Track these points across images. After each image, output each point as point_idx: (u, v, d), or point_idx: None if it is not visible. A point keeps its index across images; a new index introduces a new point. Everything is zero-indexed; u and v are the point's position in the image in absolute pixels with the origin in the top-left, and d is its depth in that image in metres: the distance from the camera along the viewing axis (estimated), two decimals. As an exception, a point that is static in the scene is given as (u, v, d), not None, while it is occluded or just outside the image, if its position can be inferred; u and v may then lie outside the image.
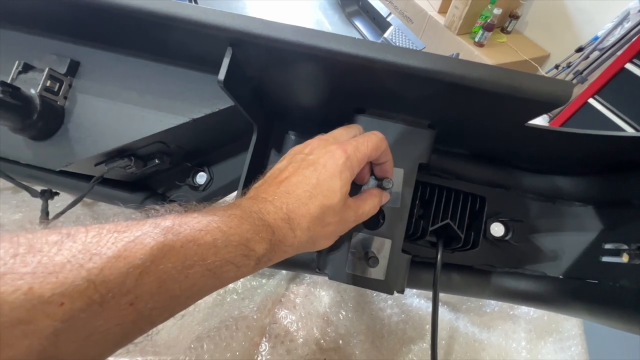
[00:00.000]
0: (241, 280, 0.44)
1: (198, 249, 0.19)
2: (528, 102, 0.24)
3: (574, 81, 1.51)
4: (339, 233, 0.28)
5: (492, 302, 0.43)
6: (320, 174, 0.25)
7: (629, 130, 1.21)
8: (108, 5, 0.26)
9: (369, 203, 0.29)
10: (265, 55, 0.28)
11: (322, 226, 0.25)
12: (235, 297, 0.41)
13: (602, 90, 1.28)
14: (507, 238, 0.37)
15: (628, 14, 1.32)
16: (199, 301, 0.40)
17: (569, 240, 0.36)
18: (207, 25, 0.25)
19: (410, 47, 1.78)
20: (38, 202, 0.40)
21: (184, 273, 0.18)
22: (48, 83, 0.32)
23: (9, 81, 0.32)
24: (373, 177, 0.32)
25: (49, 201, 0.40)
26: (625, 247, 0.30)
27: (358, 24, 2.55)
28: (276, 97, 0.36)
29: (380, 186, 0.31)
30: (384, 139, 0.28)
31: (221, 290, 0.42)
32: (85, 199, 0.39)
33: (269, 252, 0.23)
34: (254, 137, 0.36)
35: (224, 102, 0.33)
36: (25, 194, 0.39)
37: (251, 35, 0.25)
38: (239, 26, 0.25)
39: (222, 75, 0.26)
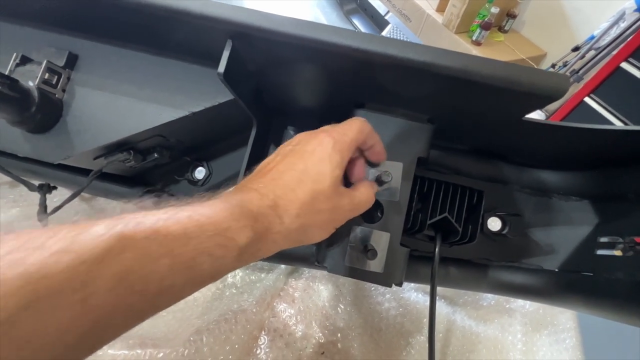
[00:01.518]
0: (240, 274, 0.44)
1: (164, 240, 0.17)
2: (525, 95, 0.24)
3: (571, 80, 1.52)
4: (335, 224, 0.27)
5: (489, 295, 0.44)
6: (308, 159, 0.25)
7: (624, 129, 1.23)
8: (108, -3, 0.26)
9: (363, 191, 0.28)
10: (265, 48, 0.28)
11: (314, 213, 0.24)
12: (235, 291, 0.41)
13: (598, 89, 1.29)
14: (504, 232, 0.38)
15: (624, 13, 1.33)
16: (198, 294, 0.40)
17: (564, 234, 0.37)
18: (207, 18, 0.25)
19: (409, 45, 1.78)
20: (36, 197, 0.40)
21: (149, 267, 0.16)
22: (46, 76, 0.32)
23: (6, 73, 0.31)
24: (371, 170, 0.32)
25: (47, 195, 0.40)
26: (620, 240, 0.31)
27: (356, 22, 2.54)
28: (276, 92, 0.36)
29: (379, 180, 0.31)
30: (365, 121, 0.28)
31: (220, 284, 0.42)
32: (83, 194, 0.39)
33: (255, 242, 0.21)
34: (253, 132, 0.36)
35: (224, 95, 0.33)
36: (23, 188, 0.39)
37: (251, 28, 0.25)
38: (239, 18, 0.25)
39: (222, 67, 0.26)
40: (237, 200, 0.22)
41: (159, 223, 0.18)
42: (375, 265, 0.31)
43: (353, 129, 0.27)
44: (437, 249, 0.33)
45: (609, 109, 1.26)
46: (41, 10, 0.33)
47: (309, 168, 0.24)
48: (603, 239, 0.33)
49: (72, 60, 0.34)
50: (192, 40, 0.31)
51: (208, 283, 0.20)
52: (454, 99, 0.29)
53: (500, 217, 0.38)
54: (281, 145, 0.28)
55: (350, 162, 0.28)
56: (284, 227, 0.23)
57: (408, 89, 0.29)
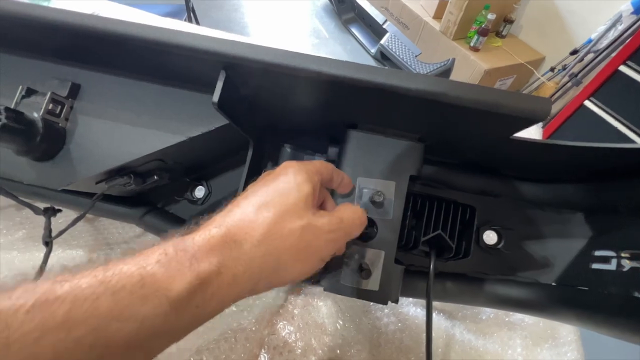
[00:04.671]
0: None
1: (57, 310, 0.13)
2: (509, 118, 0.25)
3: (570, 83, 1.52)
4: (318, 252, 0.22)
5: (488, 309, 0.43)
6: (270, 183, 0.22)
7: (625, 132, 1.22)
8: (107, 35, 0.27)
9: (346, 209, 0.25)
10: (258, 77, 0.29)
11: (282, 236, 0.20)
12: (235, 309, 0.42)
13: (597, 92, 1.29)
14: (499, 246, 0.38)
15: (620, 16, 1.33)
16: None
17: (560, 247, 0.37)
18: (201, 51, 0.26)
19: (407, 52, 1.79)
20: (41, 219, 0.41)
21: (25, 350, 0.12)
22: (50, 106, 0.33)
23: (12, 106, 0.33)
24: (364, 191, 0.32)
25: (52, 218, 0.41)
26: (613, 254, 0.31)
27: (354, 31, 2.56)
28: (270, 114, 0.38)
29: (372, 200, 0.32)
30: (328, 163, 0.27)
31: (220, 303, 0.43)
32: (87, 215, 0.40)
33: (201, 287, 0.17)
34: (250, 152, 0.37)
35: (220, 120, 0.35)
36: (29, 211, 0.40)
37: (243, 60, 0.26)
38: (230, 51, 0.26)
39: (216, 97, 0.27)
40: (171, 243, 0.18)
41: (56, 284, 0.14)
42: (371, 283, 0.32)
43: (316, 162, 0.26)
44: (431, 265, 0.34)
45: (609, 112, 1.26)
46: (45, 44, 0.34)
47: (273, 190, 0.22)
48: (598, 253, 0.33)
49: (74, 90, 0.36)
50: (188, 70, 0.32)
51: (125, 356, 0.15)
52: (441, 120, 0.29)
53: (495, 230, 0.39)
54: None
55: (322, 202, 0.27)
56: (244, 256, 0.18)
57: (395, 112, 0.30)
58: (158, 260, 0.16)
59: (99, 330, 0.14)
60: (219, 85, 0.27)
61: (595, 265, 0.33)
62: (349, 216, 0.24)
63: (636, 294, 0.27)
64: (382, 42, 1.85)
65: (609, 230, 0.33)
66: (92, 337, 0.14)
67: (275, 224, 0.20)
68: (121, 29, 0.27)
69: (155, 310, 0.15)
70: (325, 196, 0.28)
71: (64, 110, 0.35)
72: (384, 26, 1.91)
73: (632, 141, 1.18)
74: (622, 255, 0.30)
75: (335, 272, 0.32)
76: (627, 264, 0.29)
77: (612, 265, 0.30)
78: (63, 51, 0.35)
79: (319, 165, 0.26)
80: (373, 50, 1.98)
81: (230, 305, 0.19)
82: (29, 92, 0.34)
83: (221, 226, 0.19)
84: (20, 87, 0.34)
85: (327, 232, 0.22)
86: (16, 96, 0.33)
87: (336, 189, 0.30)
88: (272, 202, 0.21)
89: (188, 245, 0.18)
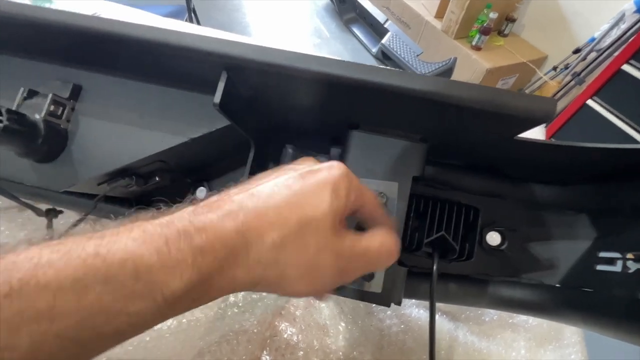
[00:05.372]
0: (242, 293, 0.45)
1: (38, 295, 0.12)
2: (513, 118, 0.24)
3: (572, 82, 1.51)
4: (325, 277, 0.19)
5: (492, 310, 0.43)
6: (307, 180, 0.19)
7: (628, 131, 1.21)
8: (107, 36, 0.27)
9: (377, 237, 0.21)
10: (259, 78, 0.29)
11: (297, 248, 0.18)
12: (236, 310, 0.42)
13: (600, 92, 1.28)
14: (503, 247, 0.38)
15: (623, 15, 1.32)
16: (200, 314, 0.40)
17: (564, 249, 0.36)
18: (201, 52, 0.26)
19: (408, 52, 1.79)
20: (43, 220, 0.41)
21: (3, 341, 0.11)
22: (52, 108, 0.33)
23: (14, 108, 0.33)
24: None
25: (54, 219, 0.41)
26: (619, 255, 0.30)
27: (356, 30, 2.56)
28: (272, 114, 0.37)
29: None
30: (378, 199, 0.24)
31: (222, 304, 0.42)
32: (88, 216, 0.40)
33: (198, 285, 0.15)
34: (252, 153, 0.37)
35: (221, 121, 0.34)
36: (31, 212, 0.40)
37: (244, 61, 0.26)
38: (231, 52, 0.26)
39: (217, 98, 0.27)
40: (178, 225, 0.16)
41: (39, 269, 0.12)
42: (374, 285, 0.31)
43: (368, 191, 0.22)
44: (434, 267, 0.34)
45: (612, 111, 1.25)
46: (47, 46, 0.34)
47: (305, 190, 0.19)
48: (603, 254, 0.33)
49: (76, 92, 0.35)
50: (189, 71, 0.32)
51: (111, 346, 0.14)
52: (445, 120, 0.29)
53: (499, 231, 0.38)
54: (283, 164, 0.23)
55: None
56: (251, 258, 0.17)
57: (397, 112, 0.30)
58: (158, 250, 0.14)
59: (83, 324, 0.13)
60: (220, 86, 0.27)
61: (600, 267, 0.32)
62: (376, 247, 0.21)
63: (642, 297, 0.26)
64: (383, 41, 1.84)
65: (614, 231, 0.33)
66: (74, 331, 0.13)
67: (295, 232, 0.18)
68: (120, 29, 0.27)
69: (147, 306, 0.14)
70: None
71: (66, 112, 0.35)
72: (385, 25, 1.90)
73: (635, 140, 1.17)
74: (628, 256, 0.30)
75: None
76: (632, 266, 0.29)
77: (617, 267, 0.30)
78: (64, 53, 0.35)
79: (368, 195, 0.22)
80: (374, 50, 1.98)
81: (227, 294, 0.18)
82: (31, 94, 0.34)
83: (238, 214, 0.17)
84: (22, 88, 0.34)
85: (345, 259, 0.20)
86: (18, 98, 0.33)
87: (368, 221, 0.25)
88: (299, 205, 0.18)
89: (195, 234, 0.16)
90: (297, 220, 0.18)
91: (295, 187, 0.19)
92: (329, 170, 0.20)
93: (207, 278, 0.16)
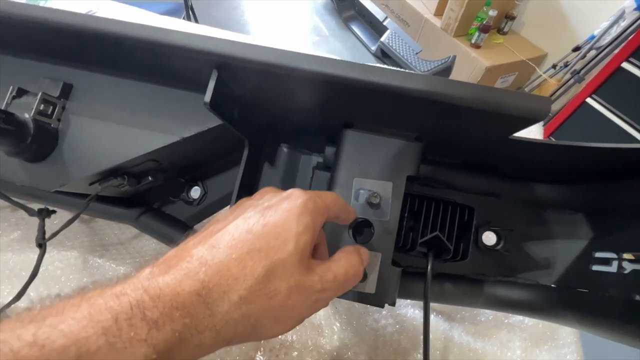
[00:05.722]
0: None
1: None
2: (508, 117, 0.24)
3: (572, 80, 1.51)
4: (301, 312, 0.19)
5: (487, 310, 0.43)
6: (269, 218, 0.18)
7: (627, 129, 1.21)
8: (95, 34, 0.27)
9: (343, 262, 0.21)
10: (251, 76, 0.29)
11: (267, 297, 0.17)
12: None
13: (599, 90, 1.28)
14: (498, 247, 0.37)
15: (623, 12, 1.32)
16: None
17: (560, 248, 0.36)
18: (190, 50, 0.26)
19: (407, 50, 1.78)
20: (36, 220, 0.40)
21: None
22: (41, 107, 0.33)
23: (3, 107, 0.33)
24: (360, 192, 0.32)
25: (47, 219, 0.41)
26: (614, 256, 0.30)
27: (355, 28, 2.55)
28: (266, 113, 0.37)
29: (369, 202, 0.31)
30: (339, 198, 0.24)
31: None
32: (83, 215, 0.39)
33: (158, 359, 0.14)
34: (245, 152, 0.36)
35: (214, 120, 0.34)
36: (24, 212, 0.40)
37: (234, 59, 0.26)
38: (221, 50, 0.25)
39: (207, 97, 0.27)
40: (130, 297, 0.14)
41: None
42: (368, 286, 0.31)
43: (329, 195, 0.23)
44: (429, 268, 0.33)
45: (611, 109, 1.24)
46: (37, 43, 0.34)
47: (267, 230, 0.18)
48: (598, 254, 0.32)
49: (66, 90, 0.35)
50: (181, 69, 0.32)
51: None
52: (438, 120, 0.29)
53: (495, 231, 0.38)
54: (242, 199, 0.23)
55: (316, 245, 0.23)
56: (218, 319, 0.16)
57: (392, 111, 0.30)
58: (105, 330, 0.13)
59: None
60: (211, 85, 0.27)
61: (595, 267, 0.32)
62: (342, 273, 0.21)
63: (637, 297, 0.26)
64: (382, 39, 1.83)
65: (610, 231, 0.33)
66: None
67: (263, 280, 0.17)
68: (110, 28, 0.26)
69: None
70: (321, 240, 0.25)
71: (56, 111, 0.34)
72: (385, 23, 1.89)
73: (635, 139, 1.17)
74: (624, 257, 0.29)
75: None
76: (628, 267, 0.28)
77: (613, 268, 0.30)
78: (55, 51, 0.35)
79: (329, 201, 0.22)
80: (373, 48, 1.97)
81: None
82: (20, 93, 0.33)
83: (197, 273, 0.16)
84: (11, 87, 0.33)
85: (316, 292, 0.19)
86: (6, 97, 0.33)
87: (338, 222, 0.26)
88: (263, 250, 0.17)
89: (149, 304, 0.14)
90: (264, 268, 0.17)
91: (256, 230, 0.18)
92: (289, 201, 0.19)
93: (166, 352, 0.14)
